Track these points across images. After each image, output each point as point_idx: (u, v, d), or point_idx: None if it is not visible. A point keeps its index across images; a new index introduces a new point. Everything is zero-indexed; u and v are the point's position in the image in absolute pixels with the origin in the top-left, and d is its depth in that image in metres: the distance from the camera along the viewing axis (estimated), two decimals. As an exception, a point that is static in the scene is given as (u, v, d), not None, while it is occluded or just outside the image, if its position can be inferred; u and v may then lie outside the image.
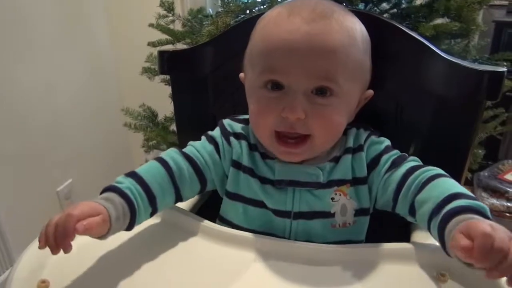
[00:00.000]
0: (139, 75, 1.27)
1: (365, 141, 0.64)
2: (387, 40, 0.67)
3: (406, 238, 0.63)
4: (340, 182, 0.63)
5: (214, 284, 0.53)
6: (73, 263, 0.52)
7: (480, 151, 1.22)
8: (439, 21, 1.04)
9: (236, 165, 0.66)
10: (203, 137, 0.68)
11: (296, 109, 0.56)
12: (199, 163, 0.65)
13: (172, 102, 0.84)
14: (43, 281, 0.51)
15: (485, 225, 0.42)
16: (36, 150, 1.40)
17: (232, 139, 0.67)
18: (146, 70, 1.26)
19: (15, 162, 1.32)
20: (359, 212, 0.64)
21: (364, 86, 0.63)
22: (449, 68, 0.63)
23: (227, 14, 1.07)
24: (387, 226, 0.64)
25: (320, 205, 0.63)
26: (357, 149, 0.64)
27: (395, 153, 0.63)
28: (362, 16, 0.62)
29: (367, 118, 0.67)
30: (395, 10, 1.08)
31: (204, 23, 1.18)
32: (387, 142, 0.65)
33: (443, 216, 0.49)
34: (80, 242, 0.56)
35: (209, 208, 0.70)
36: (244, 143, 0.66)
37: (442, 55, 0.64)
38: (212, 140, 0.67)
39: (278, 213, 0.63)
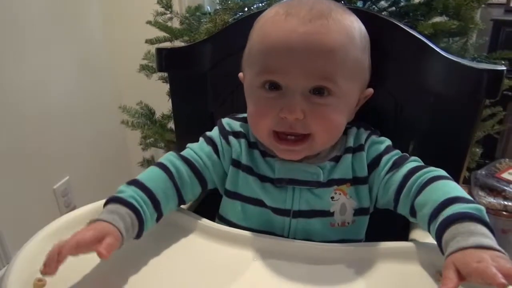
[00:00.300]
0: (136, 72, 1.26)
1: (365, 140, 0.64)
2: (386, 38, 0.67)
3: (406, 237, 0.63)
4: (340, 181, 0.63)
5: (213, 283, 0.53)
6: (70, 261, 0.51)
7: (477, 149, 1.22)
8: (437, 19, 1.04)
9: (236, 164, 0.66)
10: (201, 139, 0.68)
11: (295, 110, 0.56)
12: (198, 165, 0.65)
13: (170, 100, 0.84)
14: (40, 280, 0.51)
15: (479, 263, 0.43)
16: (32, 148, 1.39)
17: (231, 138, 0.66)
18: (143, 68, 1.25)
19: (10, 160, 1.31)
20: (359, 212, 0.64)
21: (364, 85, 0.63)
22: (449, 67, 0.63)
23: (225, 12, 1.07)
24: (387, 225, 0.64)
25: (320, 204, 0.63)
26: (358, 148, 0.63)
27: (396, 153, 0.63)
28: (361, 14, 0.62)
29: (366, 116, 0.67)
30: (393, 8, 1.08)
31: (202, 20, 1.17)
32: (388, 142, 0.65)
33: (440, 224, 0.50)
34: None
35: (208, 206, 0.70)
36: (243, 141, 0.66)
37: (442, 53, 0.64)
38: (210, 141, 0.67)
39: (278, 211, 0.63)
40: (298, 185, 0.62)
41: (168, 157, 0.65)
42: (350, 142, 0.64)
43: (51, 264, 0.47)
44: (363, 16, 0.62)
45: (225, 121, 0.69)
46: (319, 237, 0.62)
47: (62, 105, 1.50)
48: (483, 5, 1.08)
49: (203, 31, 1.05)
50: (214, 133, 0.68)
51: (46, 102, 1.43)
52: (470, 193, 1.52)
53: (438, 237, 0.50)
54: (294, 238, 0.62)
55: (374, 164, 0.63)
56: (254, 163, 0.65)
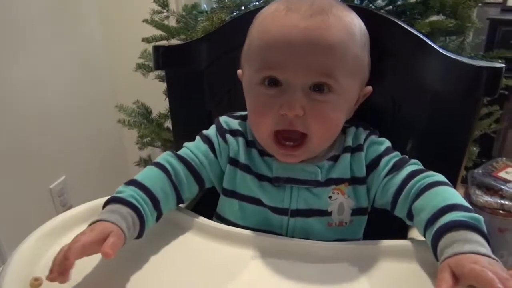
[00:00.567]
0: (133, 71, 1.26)
1: (364, 140, 0.64)
2: (384, 36, 0.67)
3: (404, 235, 0.63)
4: (339, 181, 0.63)
5: (211, 282, 0.53)
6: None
7: (474, 148, 1.23)
8: (434, 18, 1.04)
9: (233, 162, 0.65)
10: (197, 137, 0.68)
11: (295, 106, 0.55)
12: (194, 164, 0.65)
13: (167, 99, 0.83)
14: (36, 279, 0.51)
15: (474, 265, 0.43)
16: (28, 147, 1.38)
17: (228, 136, 0.66)
18: (140, 67, 1.24)
19: (6, 159, 1.30)
20: (356, 212, 0.64)
21: (363, 83, 0.63)
22: (447, 64, 0.63)
23: (222, 10, 1.07)
24: (385, 224, 0.64)
25: (318, 203, 0.62)
26: (356, 148, 0.63)
27: (396, 155, 0.63)
28: (359, 11, 0.62)
29: (365, 114, 0.66)
30: (390, 7, 1.08)
31: (198, 19, 1.17)
32: (387, 143, 0.65)
33: (436, 231, 0.50)
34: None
35: (206, 205, 0.69)
36: (241, 139, 0.65)
37: (441, 51, 0.63)
38: (206, 139, 0.67)
39: (275, 210, 0.63)
40: (296, 184, 0.62)
41: (165, 157, 0.65)
42: (349, 142, 0.63)
43: (61, 272, 0.47)
44: (362, 13, 0.61)
45: (223, 119, 0.68)
46: (316, 236, 0.62)
47: (58, 105, 1.49)
48: (479, 4, 1.08)
49: (200, 29, 1.05)
50: (211, 131, 0.68)
51: (42, 102, 1.42)
52: (467, 192, 1.53)
53: (434, 243, 0.50)
54: (292, 238, 0.61)
55: (373, 165, 0.63)
56: (252, 162, 0.64)
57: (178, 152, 0.66)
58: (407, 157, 0.63)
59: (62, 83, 1.50)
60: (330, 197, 0.62)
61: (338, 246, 0.58)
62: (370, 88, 0.64)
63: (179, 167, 0.63)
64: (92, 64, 1.65)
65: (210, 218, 0.65)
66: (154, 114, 1.29)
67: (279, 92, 0.57)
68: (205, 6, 1.37)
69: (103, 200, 0.64)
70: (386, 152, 0.63)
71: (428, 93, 0.66)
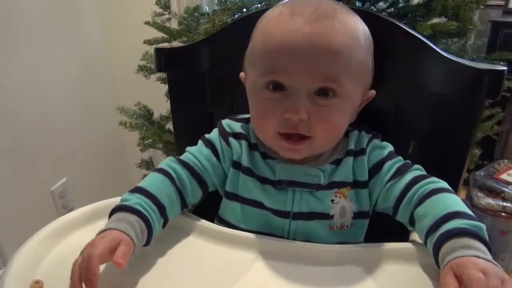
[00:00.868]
0: (134, 73, 1.26)
1: (367, 144, 0.64)
2: (386, 38, 0.66)
3: (406, 238, 0.63)
4: (341, 184, 0.63)
5: (214, 284, 0.53)
6: (67, 263, 0.51)
7: (476, 150, 1.22)
8: (436, 20, 1.04)
9: (236, 165, 0.65)
10: (200, 141, 0.68)
11: (299, 110, 0.55)
12: (197, 168, 0.65)
13: (168, 101, 0.83)
14: (37, 282, 0.51)
15: (476, 271, 0.44)
16: (29, 149, 1.38)
17: (231, 139, 0.66)
18: (142, 68, 1.24)
19: (7, 161, 1.30)
20: (358, 215, 0.64)
21: (367, 87, 0.63)
22: (450, 67, 0.63)
23: (224, 12, 1.07)
24: (387, 226, 0.63)
25: (320, 207, 0.62)
26: (359, 152, 0.63)
27: (399, 160, 0.63)
28: (361, 14, 0.61)
29: (367, 117, 0.66)
30: (392, 9, 1.08)
31: (200, 21, 1.17)
32: (390, 147, 0.65)
33: (438, 238, 0.50)
34: (73, 243, 0.55)
35: (207, 208, 0.69)
36: (244, 143, 0.65)
37: (443, 53, 0.63)
38: (209, 143, 0.67)
39: (277, 213, 0.63)
40: (299, 187, 0.62)
41: (167, 162, 0.64)
42: (351, 145, 0.63)
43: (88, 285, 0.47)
44: (364, 16, 0.61)
45: (225, 122, 0.68)
46: (318, 239, 0.62)
47: (59, 107, 1.49)
48: (481, 7, 1.08)
49: (202, 31, 1.05)
50: (213, 135, 0.68)
51: (43, 104, 1.42)
52: (468, 194, 1.52)
53: (436, 250, 0.50)
54: (294, 240, 0.61)
55: (376, 169, 0.62)
56: (254, 165, 0.64)
57: (181, 157, 0.66)
58: (410, 162, 0.63)
59: (63, 85, 1.50)
60: (332, 201, 0.62)
61: (340, 249, 0.58)
62: (373, 91, 0.63)
63: (183, 172, 0.63)
64: (94, 66, 1.65)
65: (211, 220, 0.65)
66: (156, 116, 1.29)
67: (283, 96, 0.57)
68: (207, 8, 1.37)
69: (105, 202, 0.64)
70: (389, 156, 0.63)
71: (430, 95, 0.66)
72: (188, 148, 0.67)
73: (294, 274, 0.54)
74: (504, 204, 1.43)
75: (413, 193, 0.57)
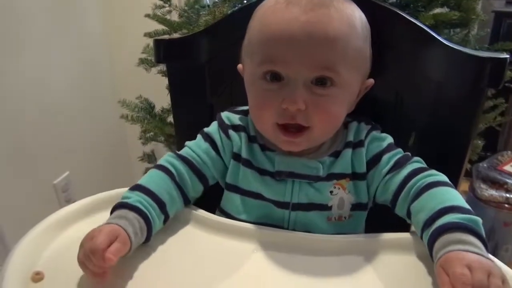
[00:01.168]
0: (135, 66, 1.25)
1: (366, 136, 0.63)
2: (387, 27, 0.66)
3: (406, 229, 0.63)
4: (340, 176, 0.62)
5: (214, 275, 0.53)
6: (68, 255, 0.51)
7: (479, 142, 1.22)
8: (438, 10, 1.03)
9: (237, 157, 0.65)
10: (198, 135, 0.68)
11: (297, 100, 0.55)
12: (196, 163, 0.65)
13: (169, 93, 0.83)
14: (38, 273, 0.51)
15: (460, 267, 0.43)
16: (31, 143, 1.38)
17: (231, 132, 0.66)
18: (142, 62, 1.24)
19: (10, 156, 1.30)
20: (356, 207, 0.64)
21: (365, 75, 0.62)
22: (451, 55, 0.62)
23: (224, 4, 1.06)
24: (387, 217, 0.63)
25: (319, 198, 0.62)
26: (358, 144, 0.63)
27: (398, 152, 0.62)
28: (362, 3, 0.61)
29: (367, 107, 0.66)
30: (394, 0, 1.07)
31: (201, 13, 1.16)
32: (389, 139, 0.64)
33: (432, 233, 0.50)
34: (74, 235, 0.55)
35: (208, 200, 0.69)
36: (243, 135, 0.65)
37: (444, 42, 0.62)
38: (207, 137, 0.67)
39: (277, 204, 0.63)
40: (298, 179, 0.62)
41: (167, 158, 0.65)
42: (350, 137, 0.63)
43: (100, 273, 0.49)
44: (364, 4, 0.61)
45: (224, 115, 0.68)
46: (316, 230, 0.62)
47: (61, 101, 1.49)
48: (484, -4, 1.07)
49: (202, 23, 1.04)
50: (212, 128, 0.67)
51: (45, 98, 1.42)
52: (471, 186, 1.52)
53: (430, 245, 0.50)
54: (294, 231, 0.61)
55: (374, 161, 0.62)
56: (253, 157, 0.64)
57: (180, 152, 0.66)
58: (409, 154, 0.62)
59: (64, 79, 1.50)
60: (331, 192, 0.62)
61: (340, 239, 0.58)
62: (372, 80, 0.63)
63: (182, 167, 0.63)
64: (94, 59, 1.65)
65: (213, 212, 0.65)
66: (157, 109, 1.29)
67: (280, 87, 0.56)
68: (207, 0, 1.36)
69: (105, 194, 0.65)
70: (388, 148, 0.63)
71: (432, 85, 0.65)
72: (187, 143, 0.67)
73: (293, 265, 0.54)
74: (507, 195, 1.43)
75: (411, 186, 0.57)
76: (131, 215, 0.54)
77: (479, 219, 0.50)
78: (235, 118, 0.67)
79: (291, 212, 0.62)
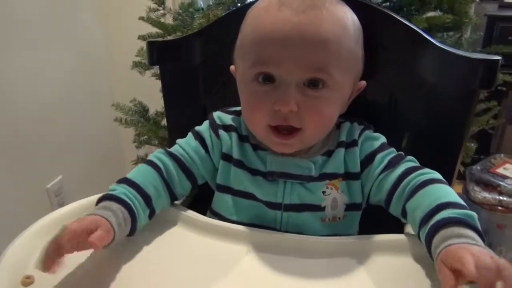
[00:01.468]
0: (129, 69, 1.25)
1: (359, 136, 0.63)
2: (380, 29, 0.66)
3: (400, 230, 0.63)
4: (332, 176, 0.62)
5: (206, 277, 0.52)
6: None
7: (472, 144, 1.22)
8: (431, 14, 1.04)
9: (226, 157, 0.65)
10: (189, 133, 0.68)
11: (289, 102, 0.55)
12: (184, 160, 0.65)
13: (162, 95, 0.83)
14: (28, 277, 0.50)
15: (468, 254, 0.43)
16: (24, 146, 1.37)
17: (221, 131, 0.66)
18: (137, 65, 1.24)
19: (2, 159, 1.29)
20: (350, 207, 0.63)
21: (357, 77, 0.62)
22: (444, 57, 0.62)
23: (218, 7, 1.06)
24: (381, 218, 0.63)
25: (311, 198, 0.62)
26: (351, 143, 0.63)
27: (391, 151, 0.62)
28: (355, 5, 0.61)
29: (360, 109, 0.66)
30: (387, 3, 1.07)
31: (195, 16, 1.16)
32: (382, 139, 0.64)
33: (429, 229, 0.50)
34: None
35: (201, 201, 0.69)
36: (234, 135, 0.65)
37: (436, 43, 0.63)
38: (197, 135, 0.67)
39: (269, 204, 0.63)
40: (290, 179, 0.62)
41: (156, 154, 0.65)
42: (343, 137, 0.63)
43: (51, 259, 0.47)
44: (357, 6, 0.61)
45: (216, 114, 0.68)
46: (310, 231, 0.61)
47: (55, 104, 1.48)
48: (477, 0, 1.08)
49: (196, 26, 1.05)
50: (203, 127, 0.68)
51: (38, 101, 1.41)
52: (465, 188, 1.52)
53: (428, 242, 0.50)
54: (286, 232, 0.61)
55: (367, 160, 0.62)
56: (245, 157, 0.64)
57: (170, 149, 0.66)
58: (403, 153, 0.62)
59: (58, 82, 1.49)
60: (323, 192, 0.62)
61: (333, 241, 0.57)
62: (364, 82, 0.63)
63: (170, 163, 0.64)
64: (88, 62, 1.65)
65: (204, 213, 0.65)
66: (151, 112, 1.29)
67: (273, 88, 0.56)
68: (201, 3, 1.36)
69: (96, 197, 0.64)
70: (381, 148, 0.63)
71: (425, 86, 0.65)
72: (178, 140, 0.68)
73: (287, 267, 0.54)
74: (501, 198, 1.43)
75: (405, 185, 0.57)
76: (115, 206, 0.54)
77: (475, 214, 0.50)
78: (227, 118, 0.67)
79: (283, 213, 0.62)
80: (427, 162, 0.61)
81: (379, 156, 0.62)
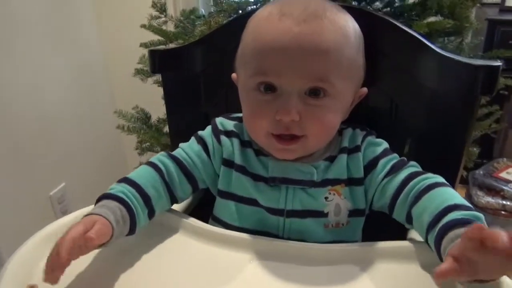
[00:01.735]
0: (131, 76, 1.26)
1: (362, 141, 0.63)
2: (381, 36, 0.66)
3: (403, 236, 0.63)
4: (335, 182, 0.62)
5: (210, 285, 0.52)
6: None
7: (475, 149, 1.22)
8: (432, 19, 1.04)
9: (228, 163, 0.65)
10: (192, 138, 0.68)
11: (290, 111, 0.55)
12: (186, 164, 0.65)
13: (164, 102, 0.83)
14: (32, 286, 0.50)
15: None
16: (27, 154, 1.38)
17: (222, 137, 0.66)
18: (138, 72, 1.25)
19: (6, 167, 1.30)
20: (354, 213, 0.63)
21: (358, 84, 0.63)
22: (444, 63, 0.62)
23: (220, 14, 1.07)
24: (384, 224, 0.63)
25: (314, 204, 0.62)
26: (354, 149, 0.63)
27: (394, 157, 0.62)
28: (356, 12, 0.61)
29: (362, 115, 0.66)
30: (388, 8, 1.08)
31: (196, 23, 1.17)
32: (385, 144, 0.64)
33: (438, 232, 0.49)
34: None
35: (203, 208, 0.69)
36: (236, 140, 0.65)
37: (437, 50, 0.63)
38: (200, 140, 0.67)
39: (271, 211, 0.62)
40: (292, 184, 0.62)
41: (158, 156, 0.65)
42: (345, 143, 0.63)
43: (54, 269, 0.47)
44: (358, 14, 0.61)
45: (219, 120, 0.68)
46: (313, 237, 0.61)
47: (57, 112, 1.49)
48: (477, 5, 1.08)
49: (198, 34, 1.05)
50: (206, 132, 0.68)
51: (41, 109, 1.42)
52: (468, 193, 1.52)
53: (437, 245, 0.49)
54: (289, 239, 0.61)
55: (371, 166, 0.62)
56: (247, 162, 0.64)
57: (172, 152, 0.66)
58: (405, 159, 0.62)
59: (61, 89, 1.50)
60: (326, 198, 0.62)
61: (337, 248, 0.57)
62: (365, 89, 0.63)
63: (172, 166, 0.64)
64: (91, 70, 1.65)
65: (206, 220, 0.65)
66: (153, 119, 1.29)
67: (274, 98, 0.57)
68: (203, 10, 1.37)
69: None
70: (384, 153, 0.63)
71: (426, 92, 0.65)
72: (180, 144, 0.68)
73: (290, 274, 0.54)
74: (504, 202, 1.43)
75: (409, 190, 0.57)
76: (113, 204, 0.55)
77: (482, 215, 0.50)
78: (229, 124, 0.67)
79: (285, 219, 0.62)
80: (429, 167, 0.61)
81: (382, 162, 0.62)
